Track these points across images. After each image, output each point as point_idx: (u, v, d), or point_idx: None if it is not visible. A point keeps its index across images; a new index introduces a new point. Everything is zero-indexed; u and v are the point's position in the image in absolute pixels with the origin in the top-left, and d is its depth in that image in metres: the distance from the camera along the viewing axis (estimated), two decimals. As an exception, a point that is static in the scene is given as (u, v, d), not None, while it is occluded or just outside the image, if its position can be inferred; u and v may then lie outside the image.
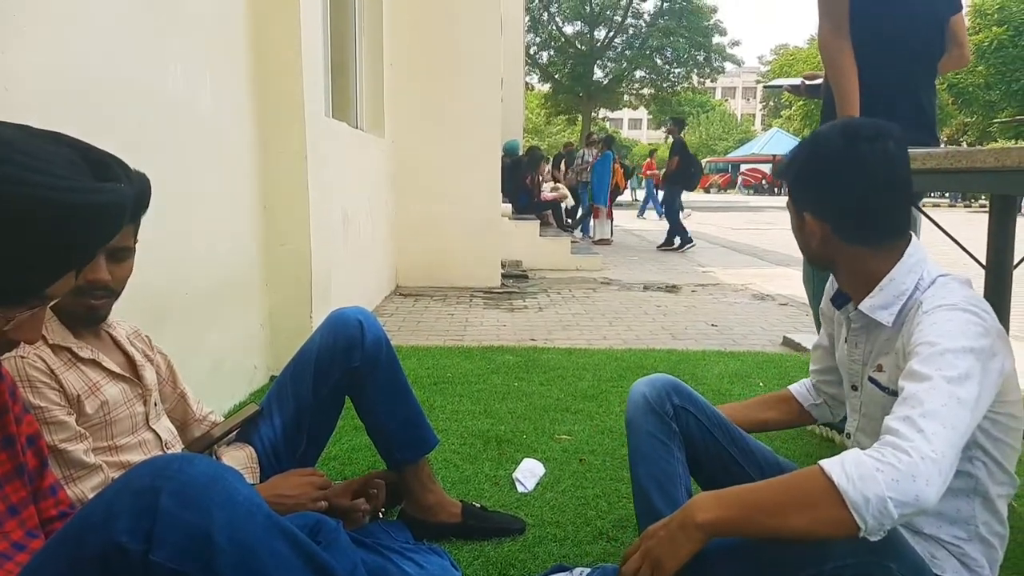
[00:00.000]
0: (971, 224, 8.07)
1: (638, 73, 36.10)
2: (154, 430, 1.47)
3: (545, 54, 35.61)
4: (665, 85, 35.82)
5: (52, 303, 0.92)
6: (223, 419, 1.78)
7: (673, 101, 37.28)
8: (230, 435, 1.75)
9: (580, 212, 13.50)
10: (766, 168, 41.79)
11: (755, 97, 72.39)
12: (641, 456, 1.58)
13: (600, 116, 45.45)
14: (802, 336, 4.49)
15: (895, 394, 1.22)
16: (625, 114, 62.06)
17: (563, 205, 12.85)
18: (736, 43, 39.40)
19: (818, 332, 1.80)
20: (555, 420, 2.96)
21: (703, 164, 19.65)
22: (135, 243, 1.39)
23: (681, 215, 11.32)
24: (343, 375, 1.81)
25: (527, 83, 27.96)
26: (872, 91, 2.47)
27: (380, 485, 1.85)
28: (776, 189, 40.21)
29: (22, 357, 1.26)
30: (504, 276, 7.32)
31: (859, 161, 1.34)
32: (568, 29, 35.98)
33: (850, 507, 1.05)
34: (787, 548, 1.20)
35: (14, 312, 0.85)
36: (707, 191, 40.91)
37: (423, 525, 1.91)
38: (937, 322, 1.22)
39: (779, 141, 35.36)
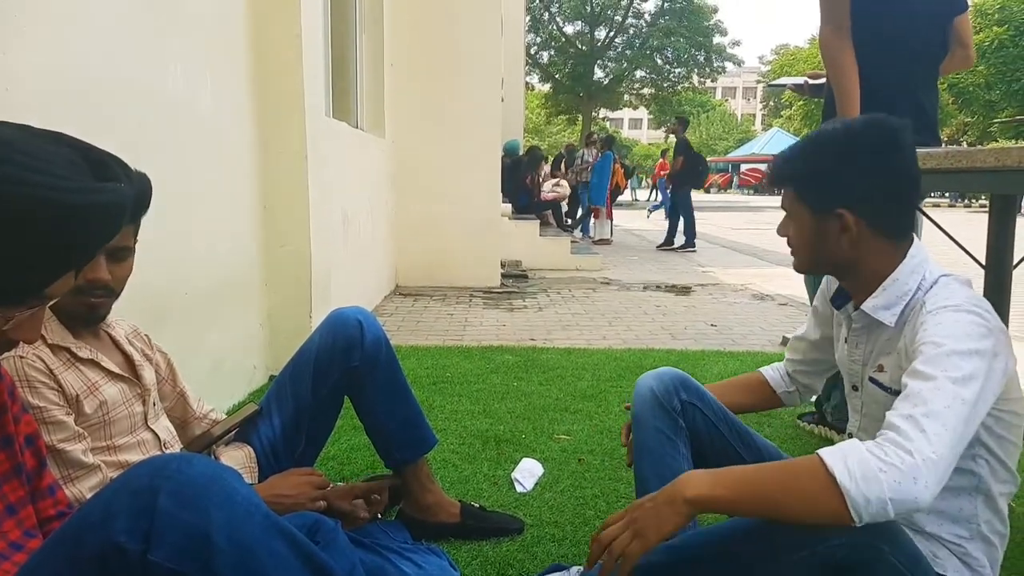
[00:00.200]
0: (971, 224, 8.07)
1: (638, 73, 36.10)
2: (153, 430, 1.47)
3: (546, 54, 35.61)
4: (666, 85, 35.82)
5: (51, 303, 0.92)
6: (223, 418, 1.78)
7: (674, 101, 37.29)
8: (229, 435, 1.75)
9: (580, 212, 13.50)
10: (766, 168, 41.77)
11: (755, 97, 72.39)
12: (647, 451, 1.57)
13: (600, 116, 45.46)
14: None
15: (897, 394, 1.22)
16: (625, 114, 62.06)
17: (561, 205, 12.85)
18: (736, 43, 39.35)
19: None
20: (554, 420, 2.96)
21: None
22: (135, 243, 1.39)
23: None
24: (342, 375, 1.81)
25: (527, 83, 27.95)
26: (873, 91, 2.47)
27: (383, 492, 1.86)
28: (776, 189, 40.19)
29: (21, 357, 1.26)
30: (504, 276, 7.32)
31: (902, 153, 1.35)
32: (569, 29, 36.00)
33: (849, 505, 1.05)
34: (781, 529, 1.20)
35: (13, 312, 0.85)
36: (707, 191, 40.90)
37: (422, 525, 1.91)
38: (942, 323, 1.22)
39: (779, 141, 35.34)
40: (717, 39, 35.61)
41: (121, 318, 1.55)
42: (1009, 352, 1.25)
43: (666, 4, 34.68)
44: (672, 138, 11.73)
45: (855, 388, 1.52)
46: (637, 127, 74.16)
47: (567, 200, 13.32)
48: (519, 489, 2.29)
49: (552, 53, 35.66)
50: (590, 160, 12.47)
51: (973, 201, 25.48)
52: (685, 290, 6.89)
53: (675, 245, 11.24)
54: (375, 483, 1.90)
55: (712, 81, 43.17)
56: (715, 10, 36.02)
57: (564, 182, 12.86)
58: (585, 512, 2.14)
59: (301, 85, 3.47)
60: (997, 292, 2.19)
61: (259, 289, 3.47)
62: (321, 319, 1.90)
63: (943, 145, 2.89)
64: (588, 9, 34.84)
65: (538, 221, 9.54)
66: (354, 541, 1.56)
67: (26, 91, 1.81)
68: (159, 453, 1.45)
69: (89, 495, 1.24)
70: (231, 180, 3.17)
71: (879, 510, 1.04)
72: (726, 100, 71.30)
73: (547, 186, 12.44)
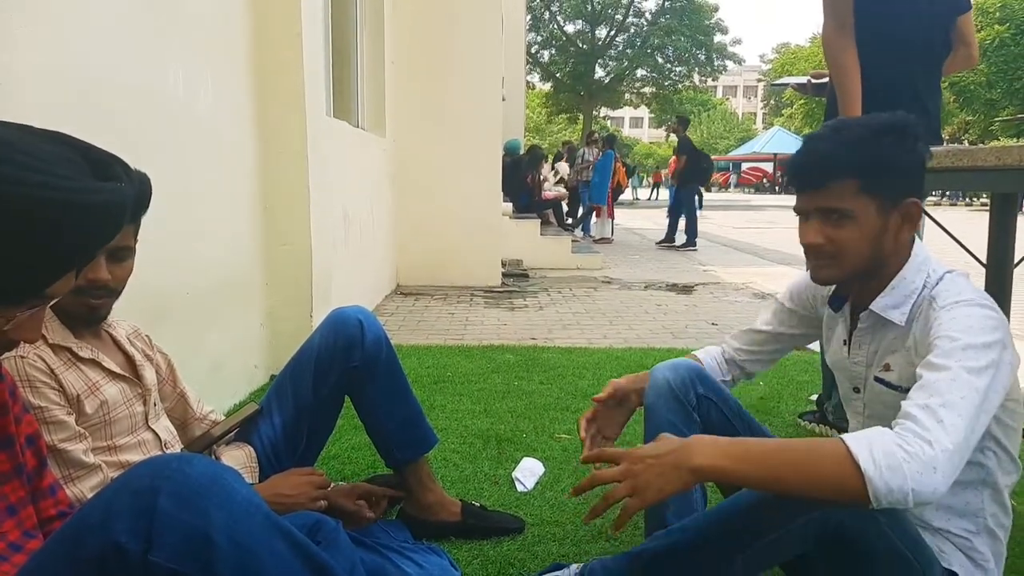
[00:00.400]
0: (972, 222, 8.07)
1: (639, 72, 36.13)
2: (153, 430, 1.48)
3: (546, 53, 35.63)
4: (666, 84, 35.85)
5: (52, 303, 0.92)
6: (223, 418, 1.79)
7: (674, 100, 37.30)
8: (229, 435, 1.75)
9: (581, 211, 13.50)
10: (767, 166, 41.77)
11: (756, 96, 72.36)
12: None
13: (601, 115, 45.46)
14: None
15: (906, 391, 1.23)
16: (626, 113, 61.99)
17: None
18: (737, 41, 39.57)
19: None
20: (555, 419, 2.96)
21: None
22: (135, 243, 1.39)
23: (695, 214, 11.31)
24: (343, 374, 1.81)
25: (528, 82, 27.94)
26: (875, 90, 2.46)
27: (385, 494, 1.86)
28: (777, 188, 40.20)
29: (22, 357, 1.26)
30: (505, 275, 7.32)
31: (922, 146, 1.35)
32: (569, 28, 36.04)
33: (870, 491, 1.06)
34: (779, 501, 1.22)
35: (14, 312, 0.85)
36: (708, 190, 40.85)
37: (422, 524, 1.91)
38: (956, 317, 1.23)
39: (780, 140, 35.34)
40: (718, 38, 35.64)
41: (122, 318, 1.55)
42: (1012, 344, 1.26)
43: (667, 3, 34.70)
44: (673, 137, 11.71)
45: (856, 390, 1.51)
46: (638, 126, 74.16)
47: (567, 199, 13.33)
48: (520, 488, 2.29)
49: (553, 52, 35.69)
50: (591, 159, 12.46)
51: (974, 199, 25.47)
52: (686, 289, 6.88)
53: (676, 243, 11.23)
54: (378, 485, 1.90)
55: (713, 80, 43.23)
56: (716, 8, 36.03)
57: (552, 178, 12.85)
58: (586, 511, 2.13)
59: (301, 84, 3.47)
60: (998, 290, 2.19)
61: (260, 289, 3.47)
62: (322, 319, 1.90)
63: (944, 144, 2.89)
64: (589, 8, 34.86)
65: (539, 220, 9.54)
66: (355, 540, 1.56)
67: (26, 91, 1.81)
68: (160, 453, 1.45)
69: (90, 495, 1.24)
70: (231, 180, 3.17)
71: (900, 499, 1.05)
72: (727, 99, 71.28)
73: (552, 179, 12.47)
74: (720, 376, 1.73)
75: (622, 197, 18.85)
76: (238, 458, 1.69)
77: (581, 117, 37.22)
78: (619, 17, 35.29)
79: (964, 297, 1.27)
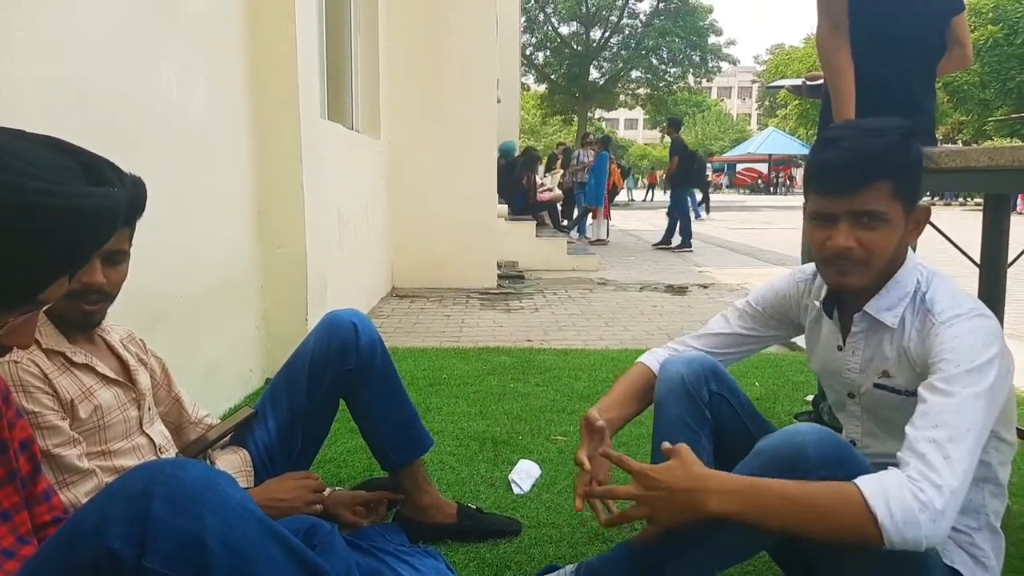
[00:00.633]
0: (965, 222, 8.09)
1: (634, 73, 36.17)
2: (148, 434, 1.47)
3: (541, 54, 35.65)
4: (661, 85, 35.89)
5: (46, 307, 0.92)
6: (218, 422, 1.78)
7: (669, 101, 37.34)
8: (224, 438, 1.74)
9: (576, 213, 13.51)
10: (762, 167, 41.85)
11: (751, 97, 72.51)
12: (667, 441, 1.48)
13: (596, 116, 45.48)
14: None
15: (910, 394, 1.27)
16: (621, 114, 62.13)
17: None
18: (732, 43, 39.61)
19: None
20: (551, 421, 2.96)
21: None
22: (130, 247, 1.38)
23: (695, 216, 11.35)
24: (337, 378, 1.80)
25: (523, 84, 27.97)
26: (869, 90, 2.47)
27: (384, 502, 1.87)
28: (772, 188, 40.28)
29: (15, 362, 1.26)
30: (500, 277, 7.31)
31: None
32: (564, 29, 36.04)
33: (886, 541, 1.10)
34: (763, 470, 1.25)
35: (7, 317, 0.84)
36: (704, 190, 40.89)
37: (419, 526, 1.91)
38: (958, 336, 1.24)
39: (775, 141, 35.44)
40: (712, 39, 35.70)
41: (116, 323, 1.54)
42: (1005, 346, 1.28)
43: (661, 4, 34.75)
44: (669, 140, 11.76)
45: (851, 396, 1.50)
46: (633, 127, 74.25)
47: (563, 201, 13.33)
48: (516, 491, 2.29)
49: (548, 53, 35.71)
50: (586, 161, 12.48)
51: (968, 200, 25.57)
52: (682, 290, 6.89)
53: (672, 245, 11.25)
54: (377, 493, 1.90)
55: (708, 81, 43.24)
56: (710, 10, 36.10)
57: (549, 181, 12.87)
58: (582, 513, 2.13)
59: (296, 87, 3.47)
60: (991, 290, 2.20)
61: (255, 292, 3.47)
62: (317, 321, 1.89)
63: (938, 144, 2.89)
64: (583, 9, 34.90)
65: (534, 222, 9.54)
66: (350, 544, 1.56)
67: (19, 94, 1.81)
68: (154, 458, 1.44)
69: (85, 500, 1.24)
70: (226, 182, 3.17)
71: (913, 546, 1.11)
72: (722, 100, 71.39)
73: (548, 180, 12.49)
74: None
75: (617, 198, 18.88)
76: (233, 462, 1.68)
77: (576, 119, 37.26)
78: (613, 18, 35.33)
79: (962, 309, 1.28)
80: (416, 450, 1.93)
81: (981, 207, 2.33)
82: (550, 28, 35.51)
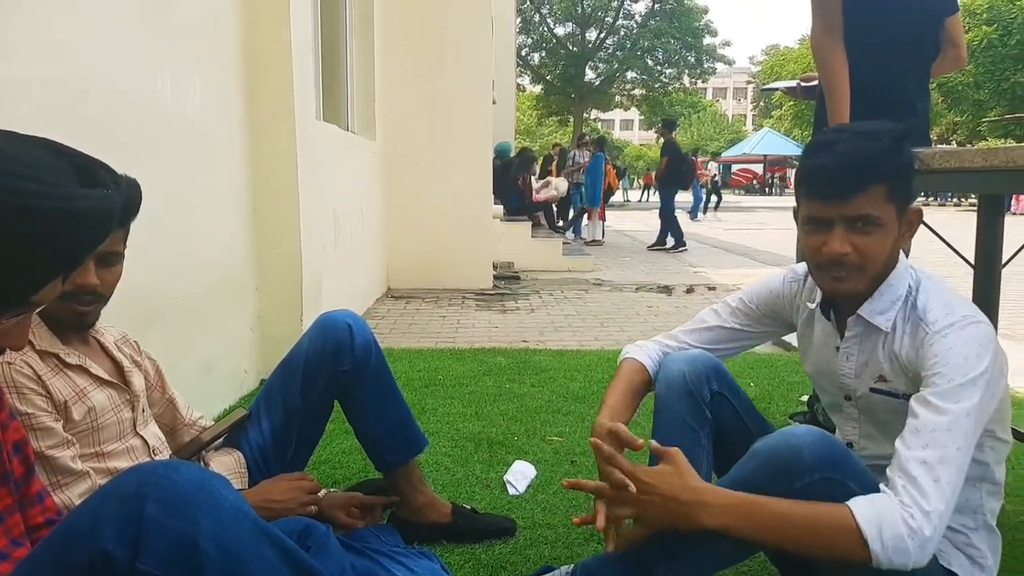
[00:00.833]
0: (960, 223, 8.11)
1: (629, 74, 36.22)
2: (141, 436, 1.47)
3: (536, 55, 35.65)
4: (656, 86, 35.95)
5: (39, 309, 0.92)
6: (213, 424, 1.78)
7: (664, 102, 37.41)
8: (218, 440, 1.74)
9: (571, 213, 13.52)
10: (757, 168, 41.94)
11: (746, 97, 72.62)
12: (666, 440, 1.44)
13: (592, 117, 45.52)
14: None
15: (908, 397, 1.28)
16: (617, 115, 62.18)
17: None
18: (727, 43, 39.65)
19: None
20: (546, 422, 2.96)
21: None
22: (124, 248, 1.38)
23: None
24: (332, 379, 1.80)
25: (518, 84, 27.97)
26: (864, 90, 2.47)
27: (380, 505, 1.87)
28: (767, 189, 40.35)
29: (9, 363, 1.25)
30: (496, 278, 7.31)
31: None
32: (559, 30, 36.07)
33: (873, 562, 1.13)
34: (758, 471, 1.26)
35: (0, 318, 0.84)
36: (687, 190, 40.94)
37: (414, 526, 1.91)
38: (952, 347, 1.25)
39: (770, 141, 35.50)
40: (707, 40, 35.77)
41: (110, 324, 1.54)
42: (999, 347, 1.29)
43: (656, 5, 34.80)
44: (663, 140, 11.79)
45: (848, 398, 1.51)
46: (628, 128, 74.30)
47: (558, 201, 13.34)
48: (511, 491, 2.29)
49: (543, 54, 35.72)
50: (582, 161, 12.49)
51: (962, 200, 25.65)
52: (688, 290, 6.90)
53: (667, 246, 11.26)
54: (369, 490, 1.90)
55: (703, 82, 43.34)
56: (705, 11, 36.17)
57: (554, 180, 12.86)
58: (578, 513, 2.13)
59: (291, 88, 3.46)
60: (986, 291, 2.20)
61: (250, 292, 3.46)
62: (312, 322, 1.89)
63: (932, 145, 2.90)
64: (579, 10, 34.92)
65: (530, 222, 9.55)
66: (345, 545, 1.56)
67: (15, 96, 1.80)
68: (148, 459, 1.44)
69: (78, 502, 1.24)
70: (221, 183, 3.16)
71: (901, 569, 1.14)
72: (717, 100, 71.51)
73: (547, 180, 12.51)
74: None
75: (613, 199, 18.90)
76: (227, 464, 1.68)
77: (572, 119, 37.28)
78: (609, 19, 35.37)
79: (955, 317, 1.28)
80: (411, 450, 1.93)
81: (975, 208, 2.34)
82: (546, 29, 35.52)
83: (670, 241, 11.27)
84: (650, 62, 35.35)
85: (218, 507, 0.91)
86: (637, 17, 35.97)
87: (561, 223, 13.25)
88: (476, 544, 1.92)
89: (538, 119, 42.53)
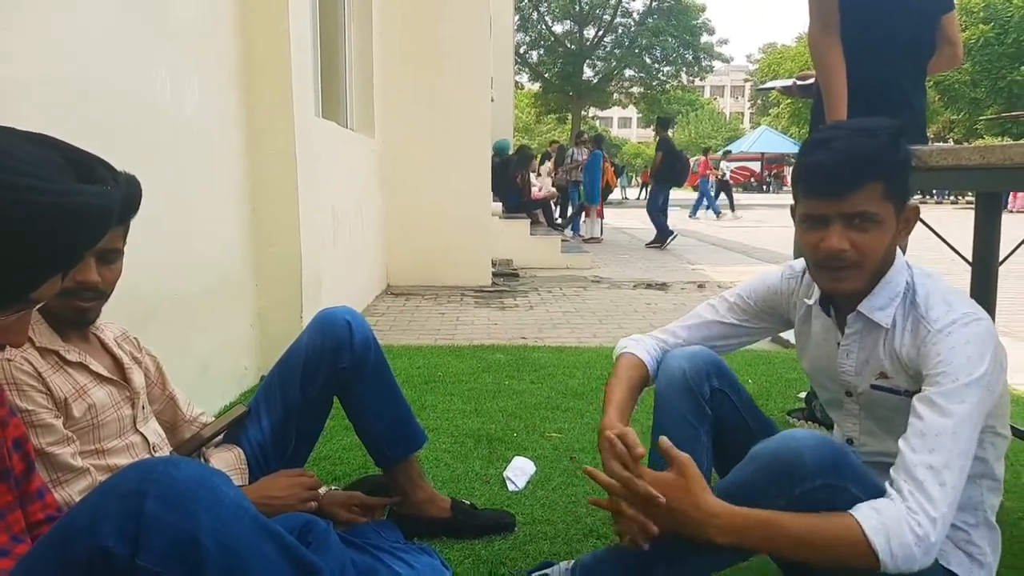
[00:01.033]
0: (957, 221, 8.12)
1: (627, 72, 36.23)
2: (142, 433, 1.47)
3: (535, 53, 35.65)
4: (654, 84, 35.96)
5: (39, 306, 0.92)
6: (213, 420, 1.78)
7: (662, 99, 37.39)
8: (218, 436, 1.74)
9: (570, 211, 13.52)
10: (755, 166, 41.90)
11: (743, 95, 72.57)
12: (667, 436, 1.42)
13: (590, 115, 45.50)
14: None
15: (908, 394, 1.30)
16: (615, 112, 62.07)
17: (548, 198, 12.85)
18: (724, 41, 39.72)
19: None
20: (545, 418, 2.97)
21: (694, 162, 19.66)
22: (124, 245, 1.38)
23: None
24: (331, 376, 1.80)
25: (517, 82, 27.95)
26: (861, 88, 2.47)
27: (381, 505, 1.87)
28: (764, 187, 40.34)
29: (9, 360, 1.25)
30: (495, 275, 7.32)
31: None
32: (558, 28, 36.06)
33: (881, 568, 1.14)
34: (758, 475, 1.27)
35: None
36: (696, 189, 40.96)
37: (413, 521, 1.91)
38: (955, 347, 1.25)
39: (768, 139, 35.47)
40: (705, 38, 35.78)
41: (110, 321, 1.54)
42: (998, 341, 1.30)
43: (654, 3, 34.81)
44: (659, 137, 11.81)
45: (848, 394, 1.51)
46: (626, 126, 74.23)
47: (556, 199, 13.35)
48: (511, 488, 2.29)
49: (541, 52, 35.71)
50: (580, 159, 12.49)
51: (960, 198, 25.67)
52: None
53: (666, 244, 11.26)
54: (369, 487, 1.90)
55: (700, 80, 43.34)
56: (703, 9, 36.16)
57: (548, 179, 12.87)
58: (577, 510, 2.14)
59: (289, 85, 3.46)
60: (983, 288, 2.21)
61: (249, 289, 3.46)
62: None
63: (929, 143, 2.91)
64: (577, 8, 34.89)
65: (528, 220, 9.55)
66: (345, 541, 1.56)
67: (14, 96, 1.80)
68: (148, 456, 1.44)
69: (78, 498, 1.24)
70: (220, 181, 3.16)
71: (906, 572, 1.15)
72: (714, 98, 71.44)
73: (544, 178, 12.52)
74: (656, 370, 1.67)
75: (611, 197, 18.88)
76: (227, 460, 1.68)
77: (570, 117, 37.26)
78: (607, 17, 35.34)
79: (957, 315, 1.29)
80: (410, 446, 1.93)
81: (972, 205, 2.34)
82: (544, 27, 35.50)
83: (670, 240, 11.28)
84: (648, 60, 35.35)
85: (218, 503, 0.91)
86: (635, 15, 36.01)
87: (560, 220, 13.26)
88: (475, 540, 1.93)
89: (536, 117, 42.53)
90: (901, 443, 1.21)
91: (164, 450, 1.53)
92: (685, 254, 10.29)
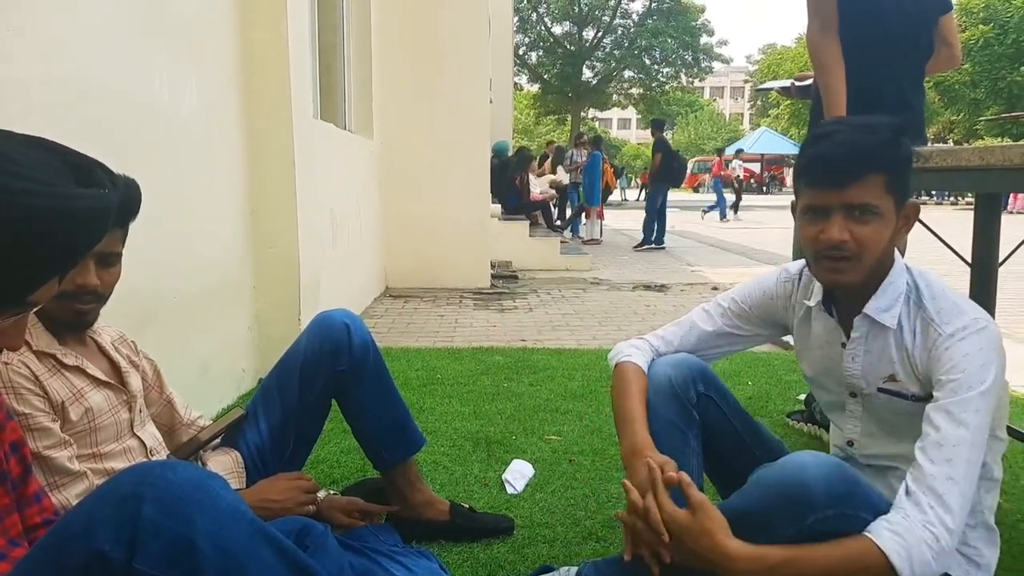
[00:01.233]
0: (956, 222, 8.12)
1: (627, 73, 36.22)
2: (139, 437, 1.46)
3: (534, 54, 35.66)
4: (654, 85, 35.95)
5: (37, 309, 0.91)
6: (210, 424, 1.77)
7: (662, 101, 37.41)
8: (215, 439, 1.74)
9: (569, 212, 13.52)
10: (754, 167, 41.92)
11: (743, 96, 72.59)
12: (657, 444, 1.45)
13: (589, 116, 45.52)
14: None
15: (916, 398, 1.31)
16: (614, 114, 62.09)
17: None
18: (724, 42, 39.71)
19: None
20: (544, 421, 2.96)
21: (693, 163, 19.63)
22: (123, 248, 1.38)
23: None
24: (329, 379, 1.80)
25: (516, 84, 27.98)
26: (860, 88, 2.47)
27: (380, 511, 1.87)
28: (764, 188, 40.36)
29: (6, 363, 1.25)
30: (494, 277, 7.31)
31: None
32: (557, 29, 36.05)
33: None
34: (766, 503, 1.24)
35: (-4, 319, 0.84)
36: (696, 190, 40.98)
37: (412, 524, 1.91)
38: (969, 354, 1.26)
39: (768, 140, 35.50)
40: (704, 39, 35.78)
41: (107, 324, 1.54)
42: (1000, 342, 1.31)
43: (654, 4, 34.80)
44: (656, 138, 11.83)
45: (853, 395, 1.50)
46: (626, 127, 74.23)
47: (555, 200, 13.34)
48: (510, 490, 2.29)
49: (540, 53, 35.71)
50: (579, 161, 12.49)
51: (959, 199, 25.68)
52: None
53: (664, 245, 11.25)
54: (367, 491, 1.90)
55: (700, 81, 43.35)
56: (702, 10, 36.17)
57: (548, 178, 12.87)
58: (576, 513, 2.14)
59: (288, 87, 3.46)
60: (982, 289, 2.21)
61: (247, 292, 3.46)
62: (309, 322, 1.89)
63: (929, 143, 2.91)
64: (576, 9, 34.90)
65: (528, 222, 9.55)
66: (343, 544, 1.56)
67: (14, 96, 1.80)
68: (145, 460, 1.44)
69: (75, 502, 1.23)
70: (218, 183, 3.16)
71: None
72: (714, 99, 71.47)
73: (543, 180, 12.51)
74: None
75: (611, 198, 18.88)
76: (225, 463, 1.68)
77: (569, 118, 37.27)
78: (606, 19, 35.34)
79: (967, 319, 1.29)
80: (408, 449, 1.93)
81: (972, 206, 2.34)
82: (543, 28, 35.50)
83: (665, 240, 11.28)
84: (647, 61, 35.34)
85: (215, 507, 0.91)
86: (634, 16, 35.98)
87: (559, 222, 13.26)
88: (474, 543, 1.92)
89: (536, 118, 42.51)
90: (917, 453, 1.21)
91: (161, 454, 1.53)
92: (684, 255, 10.29)
